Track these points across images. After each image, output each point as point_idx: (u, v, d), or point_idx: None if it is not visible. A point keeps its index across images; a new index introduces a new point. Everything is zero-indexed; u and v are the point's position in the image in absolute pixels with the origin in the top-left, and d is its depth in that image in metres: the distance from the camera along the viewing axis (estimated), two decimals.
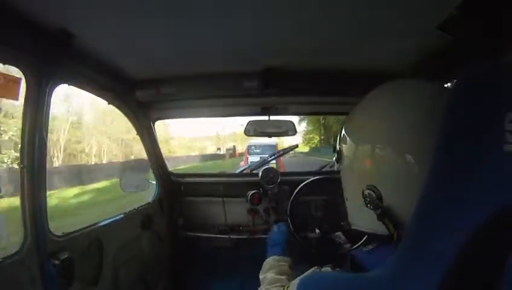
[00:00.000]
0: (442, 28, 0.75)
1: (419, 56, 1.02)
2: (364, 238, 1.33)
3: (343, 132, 0.57)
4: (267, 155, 2.07)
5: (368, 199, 0.48)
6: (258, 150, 9.38)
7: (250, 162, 7.79)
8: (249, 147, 9.84)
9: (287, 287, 0.54)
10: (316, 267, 0.54)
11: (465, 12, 0.67)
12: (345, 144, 0.55)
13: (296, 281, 0.51)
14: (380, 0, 0.72)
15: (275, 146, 8.79)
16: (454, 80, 0.47)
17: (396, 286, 0.40)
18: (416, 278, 0.39)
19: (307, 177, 1.61)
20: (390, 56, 1.08)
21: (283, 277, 0.76)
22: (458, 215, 0.38)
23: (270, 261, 0.85)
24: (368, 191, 0.48)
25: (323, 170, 1.89)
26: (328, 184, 1.56)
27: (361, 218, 0.53)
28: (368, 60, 1.13)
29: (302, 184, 1.55)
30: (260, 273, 0.81)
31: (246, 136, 1.58)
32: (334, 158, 0.60)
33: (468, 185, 0.37)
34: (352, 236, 1.34)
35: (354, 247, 1.24)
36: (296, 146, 2.21)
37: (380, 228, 0.48)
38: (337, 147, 0.58)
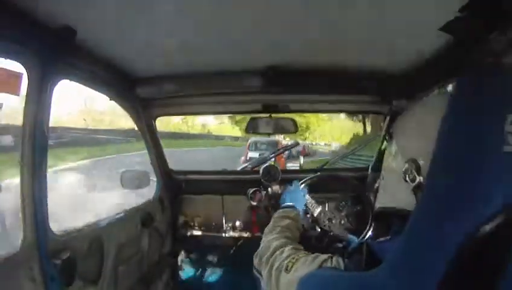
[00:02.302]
0: (442, 28, 0.75)
1: (419, 56, 1.02)
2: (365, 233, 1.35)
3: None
4: (267, 152, 2.07)
5: (408, 172, 0.50)
6: (263, 146, 9.47)
7: (250, 157, 7.88)
8: (250, 143, 10.02)
9: (291, 266, 0.58)
10: (328, 255, 0.55)
11: (466, 12, 0.67)
12: (400, 124, 0.59)
13: (297, 276, 0.53)
14: (380, 0, 0.72)
15: (275, 142, 8.93)
16: (455, 81, 0.48)
17: (396, 284, 0.41)
18: (416, 276, 0.39)
19: (307, 174, 1.61)
20: (390, 56, 1.09)
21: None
22: (459, 215, 0.38)
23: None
24: (410, 162, 0.50)
25: (324, 167, 1.90)
26: (329, 182, 1.56)
27: (395, 192, 0.55)
28: (368, 59, 1.14)
29: (302, 181, 1.56)
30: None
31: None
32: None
33: (469, 185, 0.38)
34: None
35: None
36: (297, 143, 2.22)
37: (409, 202, 0.49)
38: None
